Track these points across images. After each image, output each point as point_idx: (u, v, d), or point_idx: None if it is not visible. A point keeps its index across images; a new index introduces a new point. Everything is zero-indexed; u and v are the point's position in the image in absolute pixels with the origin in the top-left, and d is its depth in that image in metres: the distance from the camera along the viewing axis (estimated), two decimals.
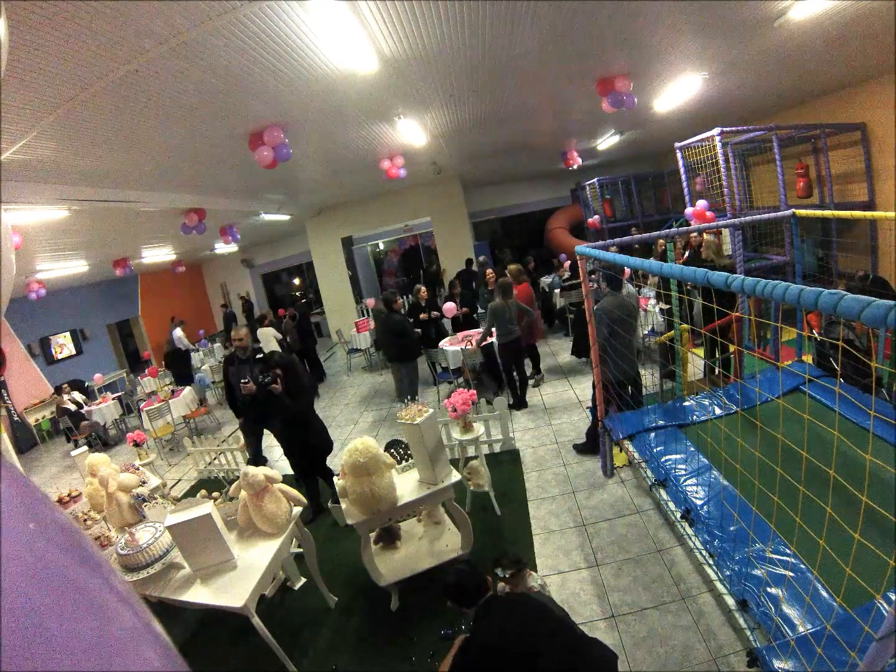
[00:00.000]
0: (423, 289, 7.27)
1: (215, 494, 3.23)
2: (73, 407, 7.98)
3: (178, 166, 4.53)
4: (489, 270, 7.26)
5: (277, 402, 3.80)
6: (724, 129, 5.53)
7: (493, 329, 5.59)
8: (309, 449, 4.00)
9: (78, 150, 3.45)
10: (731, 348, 4.50)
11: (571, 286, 7.81)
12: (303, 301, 14.32)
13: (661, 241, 5.83)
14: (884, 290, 4.93)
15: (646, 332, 6.36)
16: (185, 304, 14.19)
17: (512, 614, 1.82)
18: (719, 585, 2.27)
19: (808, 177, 6.49)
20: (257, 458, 4.59)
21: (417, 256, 14.86)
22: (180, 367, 9.47)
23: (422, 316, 6.95)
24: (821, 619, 1.90)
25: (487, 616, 1.85)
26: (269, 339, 8.21)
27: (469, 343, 5.89)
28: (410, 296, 9.08)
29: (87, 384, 10.00)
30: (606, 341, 3.81)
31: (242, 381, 4.11)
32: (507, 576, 2.63)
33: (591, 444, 4.27)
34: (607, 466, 3.98)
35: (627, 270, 5.49)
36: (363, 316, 10.22)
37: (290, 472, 4.38)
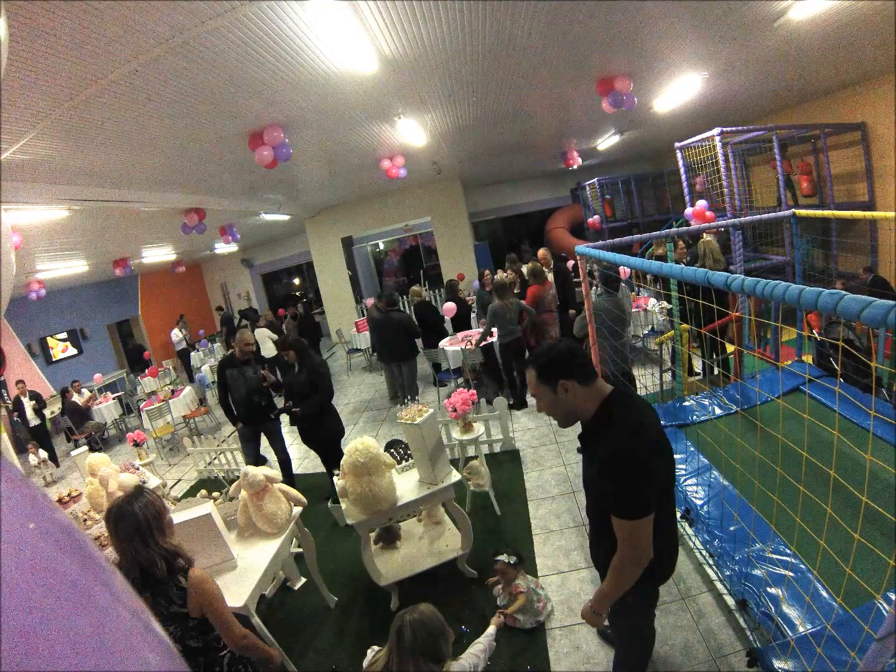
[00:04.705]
0: (423, 290, 7.28)
1: (215, 494, 3.23)
2: (80, 400, 7.98)
3: (178, 166, 4.53)
4: (486, 271, 7.39)
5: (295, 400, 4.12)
6: (724, 129, 5.54)
7: (494, 329, 5.60)
8: (326, 432, 4.28)
9: (78, 150, 3.46)
10: (729, 348, 4.50)
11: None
12: (303, 301, 14.33)
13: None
14: (884, 290, 4.94)
15: (646, 332, 6.36)
16: (185, 304, 14.19)
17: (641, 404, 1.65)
18: (719, 585, 2.28)
19: (810, 175, 6.50)
20: (257, 461, 4.59)
21: (417, 256, 14.86)
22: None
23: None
24: (821, 619, 1.90)
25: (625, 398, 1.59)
26: (264, 339, 8.22)
27: (469, 343, 5.89)
28: (407, 297, 9.08)
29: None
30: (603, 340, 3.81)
31: (262, 372, 4.29)
32: (512, 562, 2.67)
33: None
34: None
35: (627, 270, 5.49)
36: (363, 316, 10.22)
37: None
